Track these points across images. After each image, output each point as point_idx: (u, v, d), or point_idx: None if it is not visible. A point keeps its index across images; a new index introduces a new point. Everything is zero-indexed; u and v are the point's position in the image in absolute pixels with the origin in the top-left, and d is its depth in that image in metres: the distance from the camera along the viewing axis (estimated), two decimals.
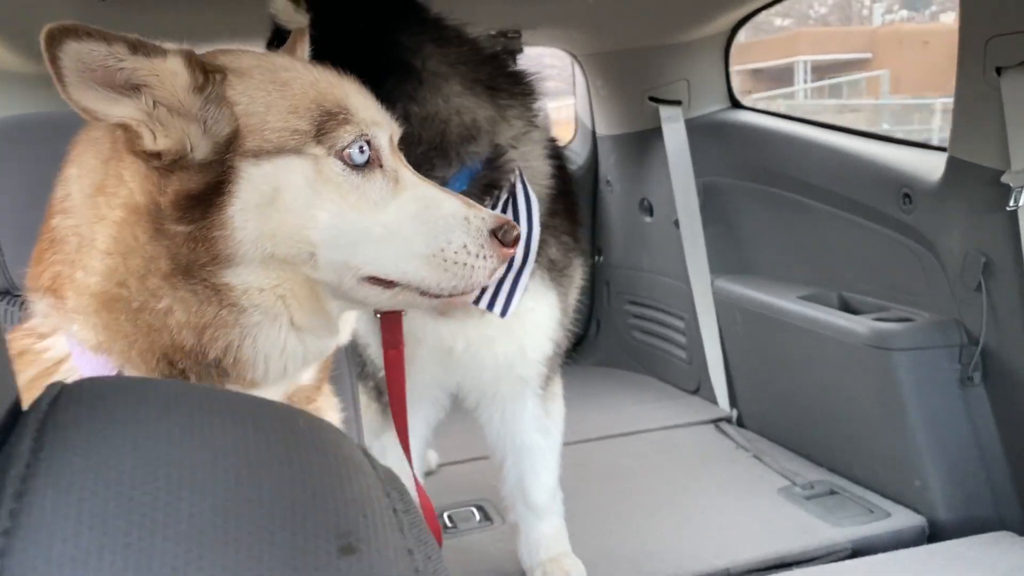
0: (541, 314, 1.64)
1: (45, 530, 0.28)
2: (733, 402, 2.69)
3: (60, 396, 0.35)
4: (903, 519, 1.95)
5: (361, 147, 0.83)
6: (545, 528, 1.78)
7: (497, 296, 1.47)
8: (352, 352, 1.55)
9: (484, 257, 0.87)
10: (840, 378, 2.19)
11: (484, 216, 0.89)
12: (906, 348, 1.99)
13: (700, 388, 2.85)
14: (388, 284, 0.86)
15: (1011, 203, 1.74)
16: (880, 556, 1.79)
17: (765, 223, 2.62)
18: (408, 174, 0.89)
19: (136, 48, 0.72)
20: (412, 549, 0.34)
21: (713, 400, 2.73)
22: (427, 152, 1.36)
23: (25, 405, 0.35)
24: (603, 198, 3.29)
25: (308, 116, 0.80)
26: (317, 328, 0.84)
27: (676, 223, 2.78)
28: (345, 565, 0.31)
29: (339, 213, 0.80)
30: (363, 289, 0.84)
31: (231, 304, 0.77)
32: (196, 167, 0.75)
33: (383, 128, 0.87)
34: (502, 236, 0.89)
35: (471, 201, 0.91)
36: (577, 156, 3.29)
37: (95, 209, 0.76)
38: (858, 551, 1.86)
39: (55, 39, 0.67)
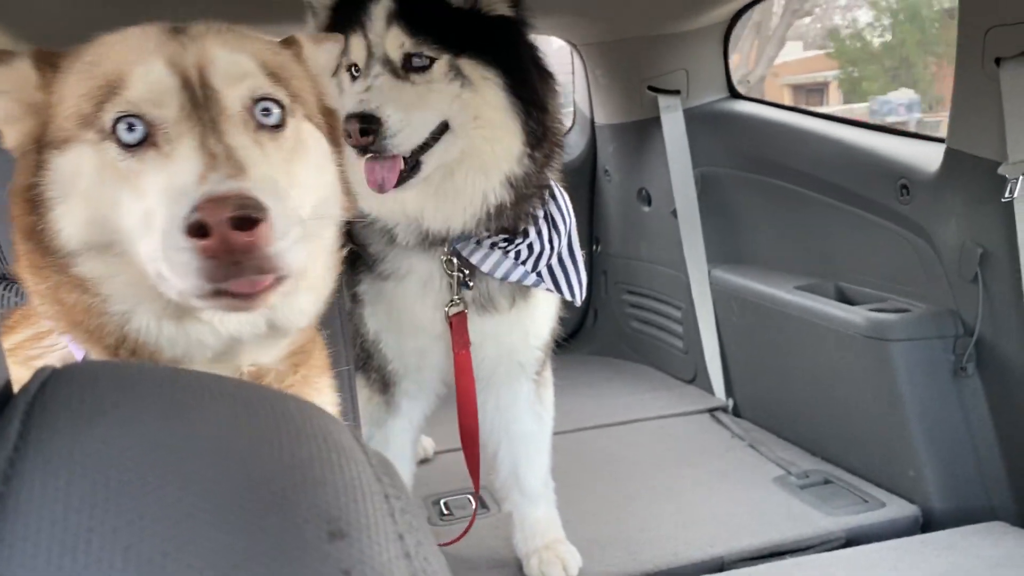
0: (547, 302, 1.70)
1: (33, 514, 0.29)
2: (729, 391, 2.70)
3: (49, 380, 0.35)
4: (897, 509, 1.96)
5: (130, 125, 0.71)
6: (539, 514, 1.80)
7: (570, 284, 1.64)
8: (349, 342, 1.56)
9: (179, 251, 0.67)
10: (836, 368, 2.19)
11: (191, 195, 0.67)
12: (902, 339, 2.00)
13: (696, 377, 2.86)
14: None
15: (1007, 194, 1.75)
16: (874, 545, 1.80)
17: (763, 213, 2.62)
18: (185, 147, 0.71)
19: None
20: (403, 534, 0.34)
21: (709, 389, 2.74)
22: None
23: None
24: (601, 188, 3.29)
25: (92, 99, 0.73)
26: (189, 315, 0.76)
27: (674, 213, 2.78)
28: (334, 549, 0.31)
29: (129, 201, 0.72)
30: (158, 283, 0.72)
31: (95, 294, 0.76)
32: (24, 160, 0.76)
33: (161, 102, 0.72)
34: (188, 224, 0.66)
35: (222, 166, 0.69)
36: (575, 145, 3.28)
37: None
38: (852, 540, 1.88)
39: None
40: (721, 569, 1.80)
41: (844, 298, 2.29)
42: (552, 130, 1.57)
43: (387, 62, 1.46)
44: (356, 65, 1.49)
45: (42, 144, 0.76)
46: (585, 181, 3.28)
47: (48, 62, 0.77)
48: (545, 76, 1.58)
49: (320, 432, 0.37)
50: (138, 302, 0.76)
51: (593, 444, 2.46)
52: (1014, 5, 1.71)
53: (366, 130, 1.38)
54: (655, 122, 2.85)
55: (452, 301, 1.58)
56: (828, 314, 2.19)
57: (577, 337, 3.37)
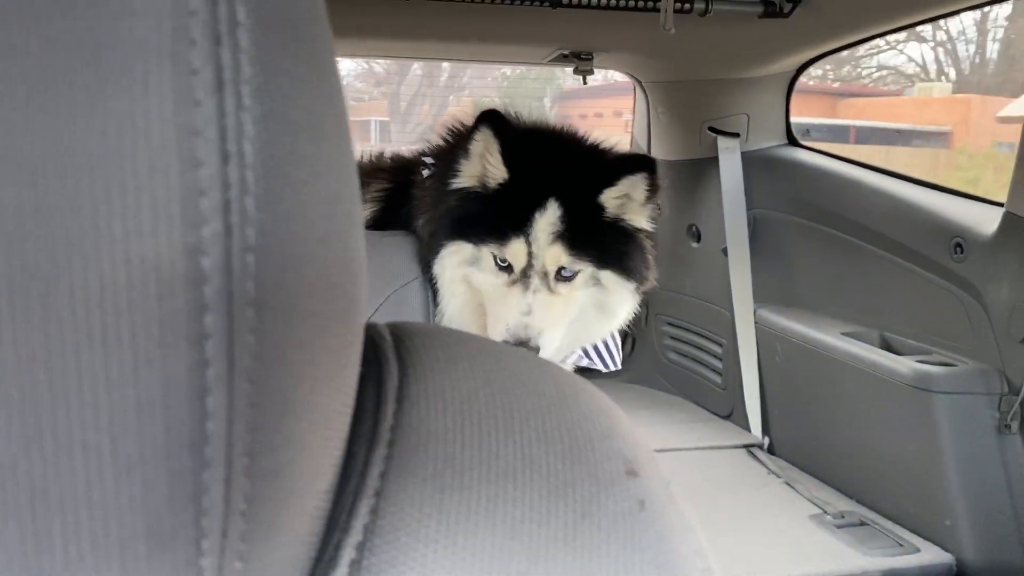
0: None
1: (420, 428, 0.37)
2: (766, 430, 2.75)
3: (396, 330, 0.43)
4: (932, 555, 2.01)
5: None
6: None
7: (611, 354, 1.90)
8: None
9: None
10: (877, 415, 2.25)
11: None
12: (947, 391, 2.06)
13: (733, 414, 2.92)
14: None
15: None
16: None
17: (813, 259, 2.70)
18: None
19: None
20: (668, 481, 0.43)
21: (745, 426, 2.80)
22: None
23: None
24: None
25: None
26: None
27: (724, 251, 2.86)
28: (632, 484, 0.39)
29: None
30: None
31: None
32: None
33: None
34: None
35: None
36: None
37: None
38: None
39: None
40: None
41: (889, 348, 2.36)
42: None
43: (544, 275, 1.59)
44: (503, 259, 1.60)
45: None
46: None
47: None
48: (656, 254, 1.77)
49: (592, 392, 0.46)
50: None
51: None
52: None
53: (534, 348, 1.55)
54: (711, 162, 2.93)
55: None
56: (873, 362, 2.25)
57: None
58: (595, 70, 2.86)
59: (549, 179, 1.60)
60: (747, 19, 2.36)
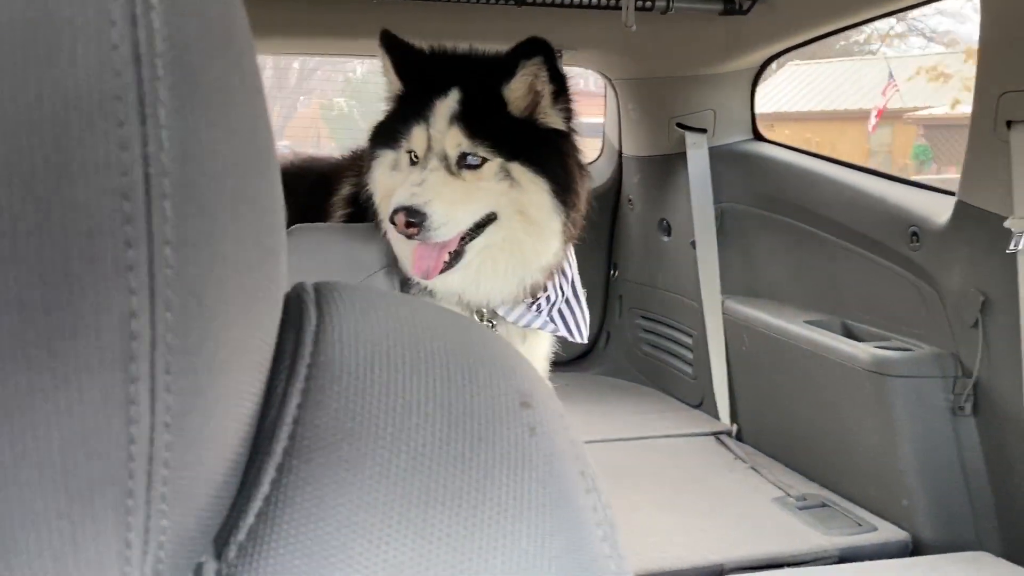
0: (547, 337, 1.95)
1: (335, 365, 0.42)
2: (734, 417, 2.82)
3: (316, 288, 0.48)
4: (889, 533, 2.08)
5: None
6: None
7: (577, 325, 1.84)
8: None
9: None
10: (838, 400, 2.32)
11: None
12: (903, 375, 2.13)
13: (703, 403, 2.98)
14: None
15: (1012, 246, 1.89)
16: (865, 563, 1.92)
17: (777, 250, 2.77)
18: None
19: None
20: (562, 414, 0.48)
21: (715, 414, 2.86)
22: None
23: None
24: (624, 215, 3.44)
25: None
26: None
27: (693, 244, 2.93)
28: (525, 414, 0.44)
29: None
30: None
31: None
32: None
33: None
34: None
35: None
36: (601, 174, 3.43)
37: None
38: (844, 559, 1.99)
39: None
40: (721, 574, 1.92)
41: (850, 335, 2.43)
42: (581, 218, 1.76)
43: (443, 157, 1.63)
44: (415, 152, 1.67)
45: None
46: (608, 208, 3.43)
47: None
48: (584, 175, 1.77)
49: (496, 340, 0.51)
50: None
51: (598, 456, 2.57)
52: None
53: (411, 222, 1.55)
54: (680, 157, 3.00)
55: None
56: (834, 348, 2.32)
57: (588, 357, 3.49)
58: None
59: (450, 78, 1.67)
60: (709, 16, 2.44)
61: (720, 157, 2.95)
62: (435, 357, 0.44)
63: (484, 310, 1.76)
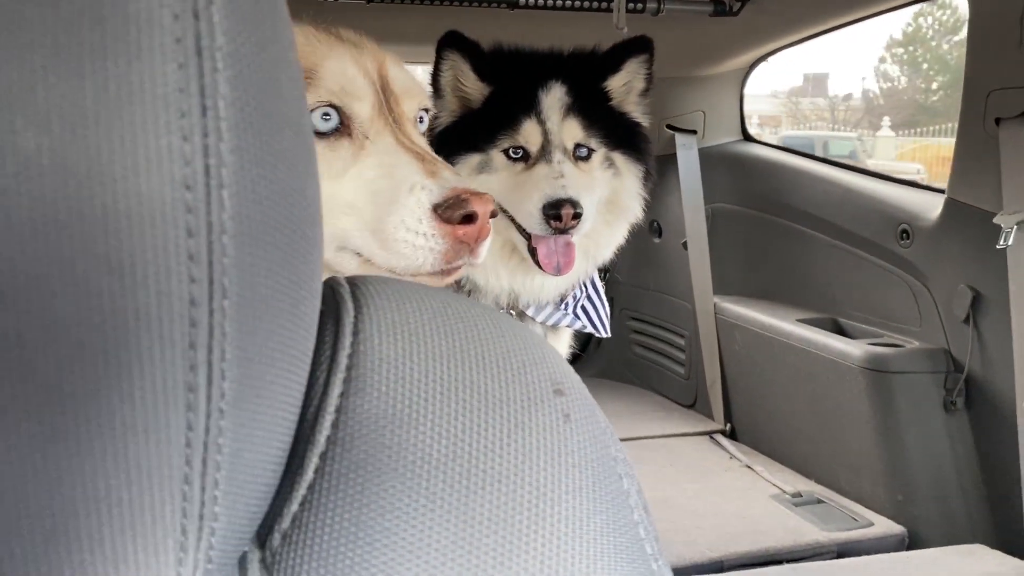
0: (567, 332, 1.91)
1: (375, 353, 0.42)
2: (728, 417, 2.84)
3: (350, 281, 0.48)
4: (885, 528, 2.10)
5: (325, 114, 0.78)
6: None
7: (601, 320, 1.83)
8: None
9: (424, 235, 0.77)
10: (831, 397, 2.34)
11: (432, 187, 0.78)
12: (896, 372, 2.15)
13: (696, 403, 3.00)
14: (357, 255, 0.82)
15: (1001, 242, 1.91)
16: (863, 558, 1.94)
17: (769, 249, 2.79)
18: (385, 142, 0.80)
19: None
20: (593, 402, 0.49)
21: (708, 414, 2.88)
22: None
23: None
24: None
25: None
26: None
27: (684, 245, 2.94)
28: (559, 401, 0.45)
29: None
30: (336, 257, 0.82)
31: None
32: None
33: (359, 97, 0.81)
34: (442, 212, 0.78)
35: (438, 166, 0.82)
36: None
37: None
38: (843, 553, 2.01)
39: None
40: (721, 571, 1.93)
41: (842, 333, 2.45)
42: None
43: (564, 150, 1.61)
44: (517, 148, 1.61)
45: None
46: None
47: None
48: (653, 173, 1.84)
49: (526, 330, 0.51)
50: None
51: None
52: (1013, 72, 1.90)
53: (578, 214, 1.51)
54: (671, 159, 3.02)
55: None
56: (827, 346, 2.34)
57: (580, 359, 3.50)
58: None
59: (545, 74, 1.62)
60: (699, 18, 2.45)
61: (710, 158, 2.97)
62: (469, 346, 0.45)
63: (512, 311, 1.73)
